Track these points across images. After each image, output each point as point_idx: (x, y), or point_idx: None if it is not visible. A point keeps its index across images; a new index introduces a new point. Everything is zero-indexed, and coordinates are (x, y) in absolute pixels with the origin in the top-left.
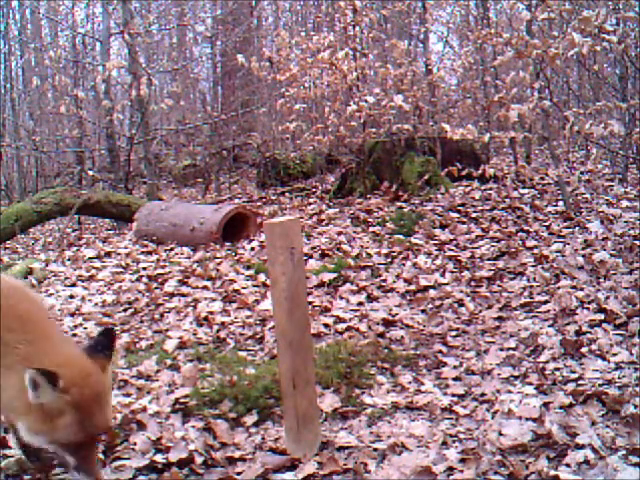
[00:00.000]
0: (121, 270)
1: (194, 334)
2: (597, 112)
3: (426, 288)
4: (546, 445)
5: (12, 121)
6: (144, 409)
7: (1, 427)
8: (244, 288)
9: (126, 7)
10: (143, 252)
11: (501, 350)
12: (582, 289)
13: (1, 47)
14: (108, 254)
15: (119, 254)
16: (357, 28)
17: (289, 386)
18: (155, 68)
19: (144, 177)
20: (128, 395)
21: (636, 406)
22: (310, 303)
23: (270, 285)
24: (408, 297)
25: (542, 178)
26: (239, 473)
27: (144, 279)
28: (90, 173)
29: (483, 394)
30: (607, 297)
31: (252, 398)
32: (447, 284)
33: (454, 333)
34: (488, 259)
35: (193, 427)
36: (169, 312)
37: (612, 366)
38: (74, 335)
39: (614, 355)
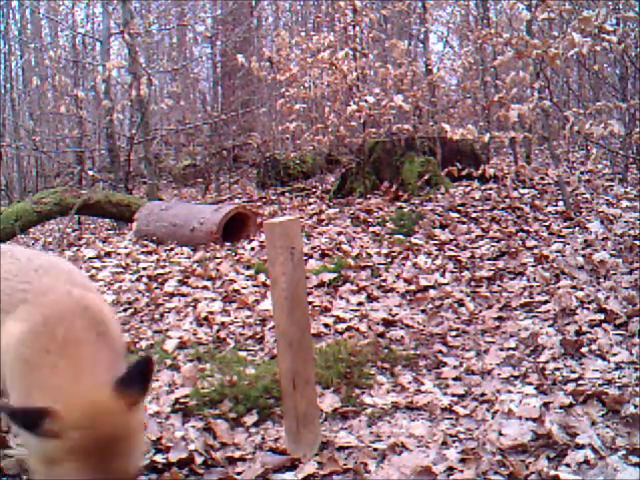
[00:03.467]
0: (121, 270)
1: (194, 334)
2: (597, 112)
3: (426, 288)
4: (546, 445)
5: (12, 121)
6: (144, 409)
7: (1, 427)
8: (244, 288)
9: (126, 7)
10: (143, 252)
11: (501, 350)
12: (582, 289)
13: (1, 47)
14: (108, 254)
15: (119, 254)
16: (357, 28)
17: (289, 386)
18: (155, 68)
19: (144, 177)
20: None
21: (636, 406)
22: (310, 303)
23: (270, 285)
24: (408, 297)
25: (542, 178)
26: (239, 473)
27: (144, 279)
28: (90, 173)
29: (483, 394)
30: (607, 297)
31: (252, 398)
32: (447, 284)
33: (454, 333)
34: (488, 259)
35: (193, 427)
36: (169, 312)
37: (612, 366)
38: None
39: (614, 355)
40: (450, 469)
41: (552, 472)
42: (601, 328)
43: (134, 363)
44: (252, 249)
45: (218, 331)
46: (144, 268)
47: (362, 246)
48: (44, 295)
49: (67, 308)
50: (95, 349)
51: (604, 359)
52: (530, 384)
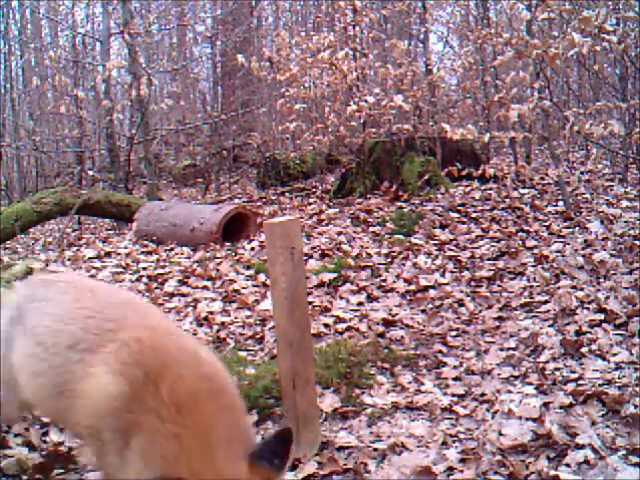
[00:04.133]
0: (121, 270)
1: (194, 334)
2: (597, 112)
3: (426, 288)
4: (546, 445)
5: (12, 121)
6: None
7: (0, 427)
8: (244, 288)
9: (126, 7)
10: (143, 252)
11: (501, 350)
12: (582, 289)
13: (1, 47)
14: (108, 254)
15: (119, 254)
16: (357, 28)
17: (289, 386)
18: (155, 68)
19: (144, 177)
20: None
21: (636, 406)
22: (310, 303)
23: (270, 285)
24: (408, 297)
25: (542, 178)
26: None
27: (144, 279)
28: (90, 173)
29: (483, 394)
30: (607, 297)
31: (252, 398)
32: (447, 284)
33: (454, 333)
34: (488, 259)
35: None
36: (169, 312)
37: (612, 366)
38: None
39: (614, 355)
40: (450, 469)
41: (552, 472)
42: (601, 328)
43: (273, 434)
44: (252, 249)
45: (218, 331)
46: (144, 268)
47: (362, 246)
48: (138, 340)
49: (171, 357)
50: (214, 410)
51: (604, 359)
52: (530, 384)
